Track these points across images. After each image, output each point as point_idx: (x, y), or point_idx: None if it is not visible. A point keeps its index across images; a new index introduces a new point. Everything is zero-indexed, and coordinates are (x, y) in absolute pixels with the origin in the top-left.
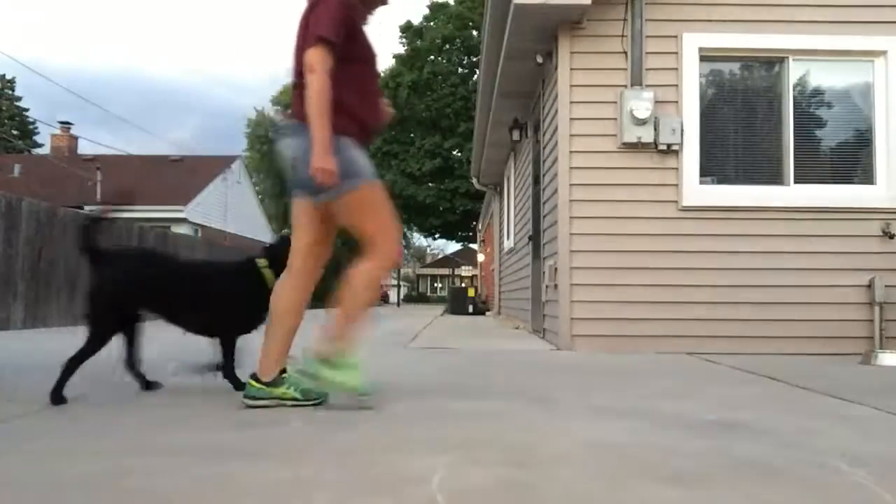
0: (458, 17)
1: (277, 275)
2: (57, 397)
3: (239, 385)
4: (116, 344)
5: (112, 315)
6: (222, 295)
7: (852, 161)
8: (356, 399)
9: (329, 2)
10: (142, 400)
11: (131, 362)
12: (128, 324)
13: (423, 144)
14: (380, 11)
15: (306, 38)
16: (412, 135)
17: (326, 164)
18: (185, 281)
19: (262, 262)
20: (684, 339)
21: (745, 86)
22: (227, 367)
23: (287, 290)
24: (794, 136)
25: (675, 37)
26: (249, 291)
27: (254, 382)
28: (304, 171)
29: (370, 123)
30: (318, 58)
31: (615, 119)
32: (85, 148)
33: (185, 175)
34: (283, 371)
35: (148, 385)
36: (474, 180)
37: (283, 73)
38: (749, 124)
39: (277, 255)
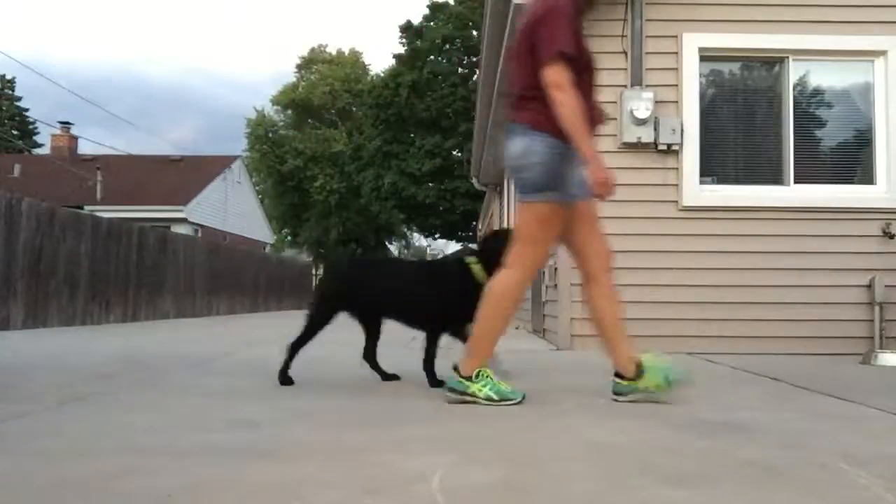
0: (458, 17)
1: (488, 272)
2: (284, 378)
3: (434, 381)
4: (115, 344)
5: (325, 308)
6: (440, 292)
7: (852, 161)
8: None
9: (559, 16)
10: (142, 400)
11: (371, 356)
12: (368, 321)
13: (423, 144)
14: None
15: (534, 53)
16: (412, 135)
17: (605, 175)
18: (406, 280)
19: (471, 259)
20: (684, 339)
21: (745, 86)
22: (427, 361)
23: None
24: (794, 136)
25: (675, 37)
26: (463, 289)
27: (455, 375)
28: (526, 171)
29: (593, 128)
30: (559, 73)
31: (615, 119)
32: (85, 148)
33: (185, 175)
34: (481, 369)
35: (386, 377)
36: (474, 180)
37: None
38: (749, 124)
39: (489, 252)
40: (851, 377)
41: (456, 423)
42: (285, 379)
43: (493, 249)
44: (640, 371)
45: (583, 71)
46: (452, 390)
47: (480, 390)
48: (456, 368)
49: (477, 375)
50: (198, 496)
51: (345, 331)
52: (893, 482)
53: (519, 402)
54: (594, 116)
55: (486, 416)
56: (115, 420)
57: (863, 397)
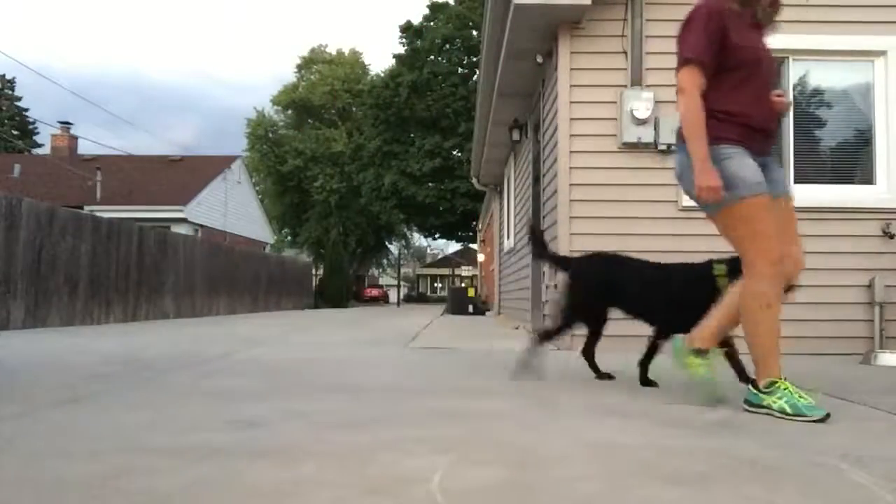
0: (458, 17)
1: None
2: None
3: (645, 380)
4: (115, 344)
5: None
6: (684, 295)
7: (852, 161)
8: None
9: (695, 19)
10: (142, 400)
11: (590, 353)
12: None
13: (423, 144)
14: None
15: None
16: (412, 135)
17: (708, 182)
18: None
19: (720, 268)
20: None
21: None
22: (645, 360)
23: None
24: (794, 136)
25: (675, 37)
26: (705, 293)
27: (752, 388)
28: (688, 186)
29: (758, 126)
30: (684, 78)
31: (615, 119)
32: (85, 148)
33: (185, 175)
34: (775, 380)
35: (601, 375)
36: (474, 180)
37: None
38: None
39: (737, 264)
40: (851, 377)
41: (456, 424)
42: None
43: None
44: (774, 389)
45: (741, 68)
46: (749, 403)
47: (775, 402)
48: (753, 382)
49: (769, 386)
50: (198, 496)
51: (344, 331)
52: (893, 482)
53: (819, 420)
54: (766, 115)
55: (487, 416)
56: (115, 420)
57: (863, 397)
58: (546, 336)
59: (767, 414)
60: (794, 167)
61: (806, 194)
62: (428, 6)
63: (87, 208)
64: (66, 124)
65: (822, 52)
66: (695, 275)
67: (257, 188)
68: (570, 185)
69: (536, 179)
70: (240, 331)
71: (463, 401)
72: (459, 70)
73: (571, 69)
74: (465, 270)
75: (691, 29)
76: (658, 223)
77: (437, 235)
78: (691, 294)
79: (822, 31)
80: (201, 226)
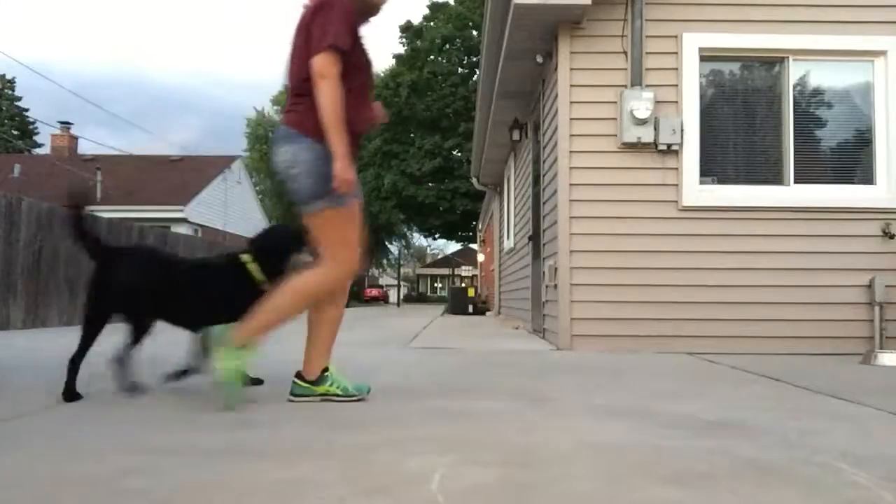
0: (458, 17)
1: (264, 270)
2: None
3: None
4: (115, 344)
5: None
6: (206, 290)
7: (852, 161)
8: (235, 391)
9: (336, 8)
10: (142, 400)
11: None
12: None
13: (423, 144)
14: (374, 19)
15: (309, 44)
16: (412, 135)
17: (350, 175)
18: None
19: (246, 257)
20: (684, 339)
21: (745, 86)
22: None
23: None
24: (794, 136)
25: (675, 37)
26: (236, 287)
27: (299, 381)
28: (296, 181)
29: (361, 132)
30: (328, 64)
31: (615, 119)
32: (85, 148)
33: (185, 175)
34: (326, 369)
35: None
36: (474, 180)
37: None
38: (749, 124)
39: (263, 249)
40: (851, 377)
41: (455, 423)
42: None
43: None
44: (322, 378)
45: (358, 71)
46: (299, 396)
47: (330, 388)
48: (298, 375)
49: (323, 376)
50: (198, 496)
51: (344, 331)
52: (893, 482)
53: (361, 399)
54: (367, 122)
55: (487, 416)
56: (115, 420)
57: (863, 397)
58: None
59: (324, 400)
60: (794, 167)
61: (806, 194)
62: (428, 6)
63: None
64: (66, 124)
65: (822, 52)
66: (220, 266)
67: (257, 188)
68: (570, 185)
69: (536, 179)
70: None
71: (463, 401)
72: (459, 70)
73: (571, 69)
74: (465, 270)
75: (336, 15)
76: (658, 223)
77: (437, 235)
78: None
79: (822, 31)
80: (201, 226)
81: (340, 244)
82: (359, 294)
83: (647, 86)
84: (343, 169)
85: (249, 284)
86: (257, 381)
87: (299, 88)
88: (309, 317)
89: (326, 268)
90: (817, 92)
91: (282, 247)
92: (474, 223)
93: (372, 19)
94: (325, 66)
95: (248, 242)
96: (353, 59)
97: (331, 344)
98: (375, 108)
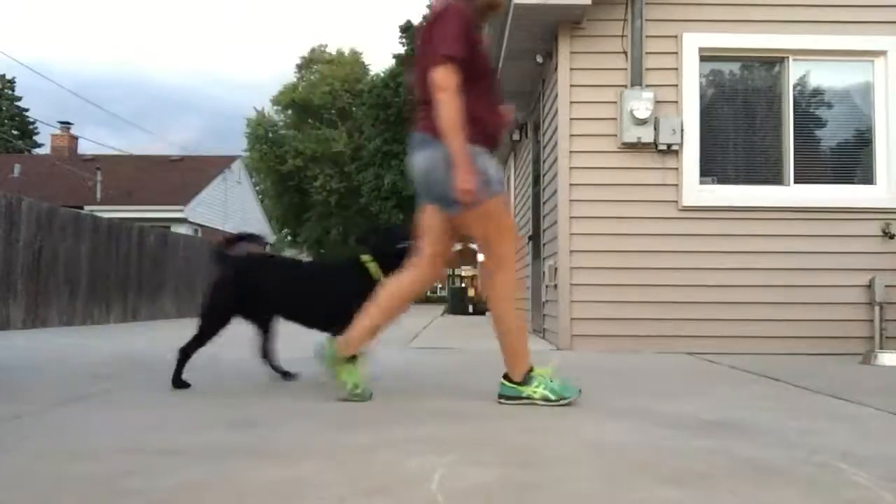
0: None
1: (383, 269)
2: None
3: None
4: (115, 344)
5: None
6: (335, 291)
7: (852, 161)
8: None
9: (449, 17)
10: (142, 400)
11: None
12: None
13: None
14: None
15: (429, 55)
16: None
17: (470, 184)
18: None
19: (366, 257)
20: (684, 339)
21: (745, 86)
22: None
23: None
24: (794, 136)
25: (675, 37)
26: (360, 287)
27: (505, 382)
28: (439, 185)
29: (496, 132)
30: (446, 76)
31: (615, 119)
32: (85, 148)
33: (185, 175)
34: (531, 370)
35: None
36: None
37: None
38: (749, 124)
39: (383, 250)
40: (851, 377)
41: (456, 423)
42: None
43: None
44: (529, 378)
45: (483, 74)
46: (506, 397)
47: (535, 391)
48: (506, 376)
49: (526, 376)
50: (198, 496)
51: None
52: (893, 482)
53: (568, 403)
54: (501, 123)
55: (486, 416)
56: (115, 420)
57: (863, 397)
58: None
59: (530, 403)
60: (794, 167)
61: (806, 194)
62: (428, 6)
63: (87, 208)
64: (66, 124)
65: (822, 52)
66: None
67: (257, 188)
68: (570, 185)
69: (536, 179)
70: (240, 330)
71: (463, 401)
72: None
73: (571, 69)
74: (465, 270)
75: (450, 25)
76: (658, 223)
77: None
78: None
79: (822, 31)
80: (201, 226)
81: (496, 238)
82: None
83: (647, 86)
84: (461, 179)
85: (371, 284)
86: (289, 375)
87: (427, 96)
88: (492, 321)
89: (498, 269)
90: (817, 92)
91: (400, 247)
92: None
93: (488, 22)
94: (441, 79)
95: (362, 242)
96: (475, 63)
97: (524, 343)
98: (504, 109)
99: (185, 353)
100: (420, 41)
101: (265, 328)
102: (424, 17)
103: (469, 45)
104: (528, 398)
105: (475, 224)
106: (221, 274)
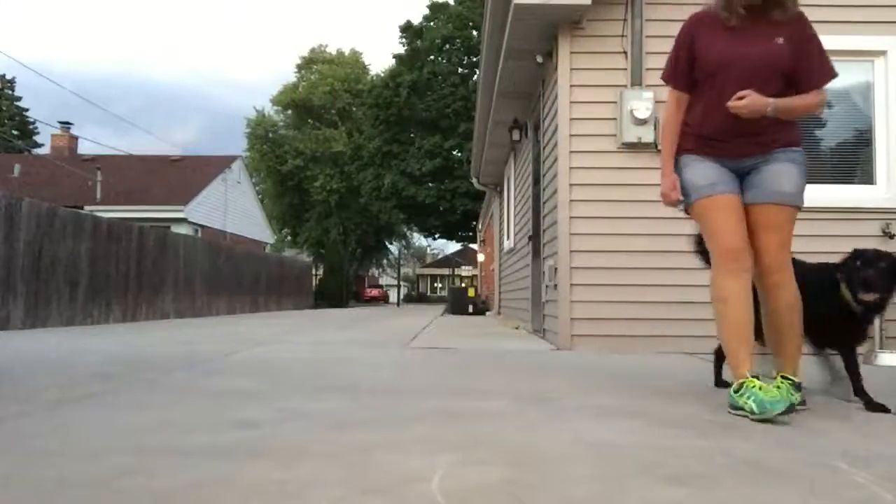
0: (458, 17)
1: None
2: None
3: (872, 404)
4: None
5: None
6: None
7: (852, 161)
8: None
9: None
10: (142, 400)
11: None
12: None
13: (423, 144)
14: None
15: (794, 59)
16: (412, 135)
17: (663, 188)
18: None
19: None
20: (684, 339)
21: None
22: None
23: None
24: None
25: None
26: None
27: (730, 391)
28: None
29: (708, 134)
30: (668, 96)
31: (615, 119)
32: (85, 148)
33: (185, 175)
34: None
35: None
36: (474, 180)
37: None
38: None
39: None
40: None
41: (456, 424)
42: None
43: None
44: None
45: (705, 78)
46: (731, 406)
47: (746, 403)
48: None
49: (739, 387)
50: (198, 496)
51: (344, 331)
52: (893, 482)
53: (781, 413)
54: (717, 120)
55: (487, 416)
56: (115, 420)
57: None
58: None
59: (744, 416)
60: None
61: (806, 194)
62: (428, 6)
63: (87, 208)
64: (66, 124)
65: None
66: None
67: (257, 188)
68: (570, 185)
69: (536, 179)
70: (240, 331)
71: (463, 401)
72: (459, 70)
73: (571, 69)
74: (465, 270)
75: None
76: (658, 223)
77: (437, 235)
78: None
79: (822, 31)
80: (201, 226)
81: (707, 239)
82: (358, 294)
83: (647, 86)
84: (662, 184)
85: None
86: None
87: None
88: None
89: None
90: None
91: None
92: (474, 223)
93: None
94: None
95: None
96: (698, 72)
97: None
98: (729, 105)
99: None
100: None
101: None
102: None
103: (687, 54)
104: (741, 409)
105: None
106: None
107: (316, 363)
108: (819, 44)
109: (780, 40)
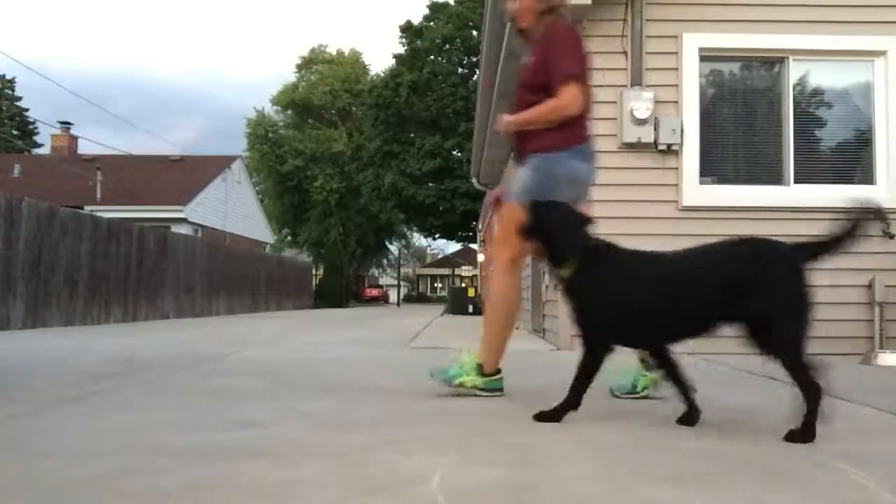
0: (458, 17)
1: None
2: None
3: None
4: (115, 344)
5: None
6: None
7: (852, 161)
8: None
9: (568, 37)
10: (142, 400)
11: None
12: None
13: (423, 144)
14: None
15: (539, 72)
16: (412, 135)
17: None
18: None
19: None
20: None
21: (745, 86)
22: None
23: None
24: (794, 136)
25: (675, 37)
26: None
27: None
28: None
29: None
30: (571, 96)
31: (615, 119)
32: (85, 148)
33: (185, 175)
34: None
35: None
36: (474, 180)
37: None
38: (749, 124)
39: None
40: (851, 377)
41: (455, 423)
42: None
43: None
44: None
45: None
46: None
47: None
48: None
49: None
50: (198, 496)
51: (344, 331)
52: (893, 482)
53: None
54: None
55: (486, 416)
56: (115, 420)
57: (863, 397)
58: None
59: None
60: (794, 167)
61: (806, 194)
62: (428, 6)
63: (87, 208)
64: (66, 124)
65: (822, 52)
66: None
67: (257, 188)
68: None
69: None
70: (239, 331)
71: (463, 401)
72: (459, 70)
73: None
74: (465, 270)
75: (571, 44)
76: (658, 223)
77: (437, 235)
78: None
79: (822, 31)
80: (201, 226)
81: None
82: (358, 294)
83: (647, 86)
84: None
85: None
86: None
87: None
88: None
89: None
90: (817, 92)
91: None
92: (474, 223)
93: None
94: (568, 98)
95: None
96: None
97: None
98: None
99: None
100: (538, 54)
101: None
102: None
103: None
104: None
105: None
106: None
107: (316, 363)
108: (559, 50)
109: (528, 60)
